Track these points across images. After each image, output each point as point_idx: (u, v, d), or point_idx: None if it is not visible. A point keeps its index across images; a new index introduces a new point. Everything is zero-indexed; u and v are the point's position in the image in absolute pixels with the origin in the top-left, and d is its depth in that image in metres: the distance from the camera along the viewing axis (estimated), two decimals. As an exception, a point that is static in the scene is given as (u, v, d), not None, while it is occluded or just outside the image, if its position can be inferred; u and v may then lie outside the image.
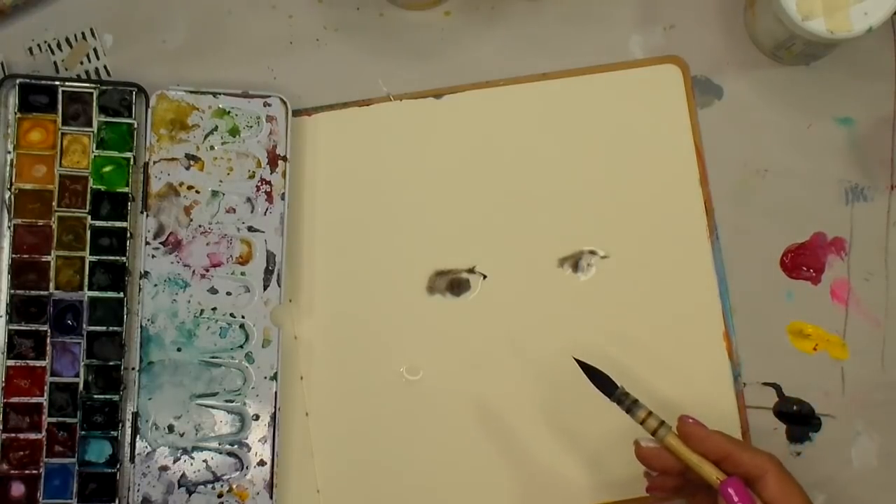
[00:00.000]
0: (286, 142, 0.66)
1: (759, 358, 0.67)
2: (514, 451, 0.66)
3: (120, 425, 0.64)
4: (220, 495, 0.64)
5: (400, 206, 0.67)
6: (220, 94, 0.66)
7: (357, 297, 0.67)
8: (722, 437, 0.57)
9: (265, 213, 0.65)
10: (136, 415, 0.64)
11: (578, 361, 0.58)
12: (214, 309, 0.65)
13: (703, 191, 0.68)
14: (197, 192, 0.65)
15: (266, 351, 0.65)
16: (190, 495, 0.64)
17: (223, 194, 0.66)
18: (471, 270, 0.67)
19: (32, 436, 0.63)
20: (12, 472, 0.63)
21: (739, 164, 0.68)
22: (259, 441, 0.64)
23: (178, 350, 0.64)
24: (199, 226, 0.65)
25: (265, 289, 0.65)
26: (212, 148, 0.66)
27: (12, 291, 0.64)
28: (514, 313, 0.67)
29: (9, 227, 0.64)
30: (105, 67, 0.67)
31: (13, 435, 0.63)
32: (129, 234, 0.65)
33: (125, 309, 0.64)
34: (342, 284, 0.67)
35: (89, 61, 0.67)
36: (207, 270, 0.65)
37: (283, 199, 0.66)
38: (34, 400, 0.63)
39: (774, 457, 0.56)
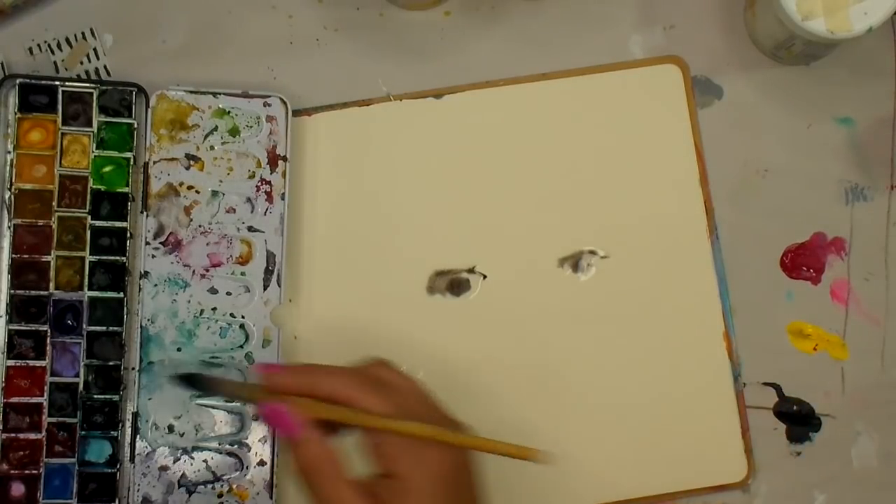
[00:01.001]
0: (286, 142, 0.66)
1: (759, 358, 0.67)
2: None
3: (120, 425, 0.64)
4: (220, 495, 0.64)
5: (400, 206, 0.67)
6: (220, 94, 0.66)
7: (357, 297, 0.67)
8: (300, 371, 0.54)
9: (265, 213, 0.65)
10: (136, 415, 0.64)
11: (177, 378, 0.55)
12: (214, 309, 0.65)
13: (703, 191, 0.68)
14: (197, 192, 0.65)
15: (266, 351, 0.65)
16: (190, 495, 0.64)
17: (223, 194, 0.66)
18: (471, 270, 0.67)
19: (32, 436, 0.63)
20: (12, 472, 0.63)
21: (739, 164, 0.68)
22: (259, 441, 0.64)
23: (178, 350, 0.64)
24: (199, 226, 0.65)
25: (265, 289, 0.65)
26: (212, 148, 0.66)
27: (12, 291, 0.64)
28: (514, 313, 0.67)
29: (9, 227, 0.64)
30: (105, 67, 0.67)
31: (13, 435, 0.63)
32: (129, 234, 0.65)
33: (125, 309, 0.64)
34: (342, 284, 0.67)
35: (89, 61, 0.67)
36: (207, 270, 0.65)
37: (283, 199, 0.66)
38: (34, 400, 0.63)
39: (359, 374, 0.54)
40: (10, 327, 0.63)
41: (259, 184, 0.66)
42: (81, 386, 0.64)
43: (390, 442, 0.52)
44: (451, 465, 0.53)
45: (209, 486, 0.64)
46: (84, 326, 0.64)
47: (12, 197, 0.64)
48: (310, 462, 0.52)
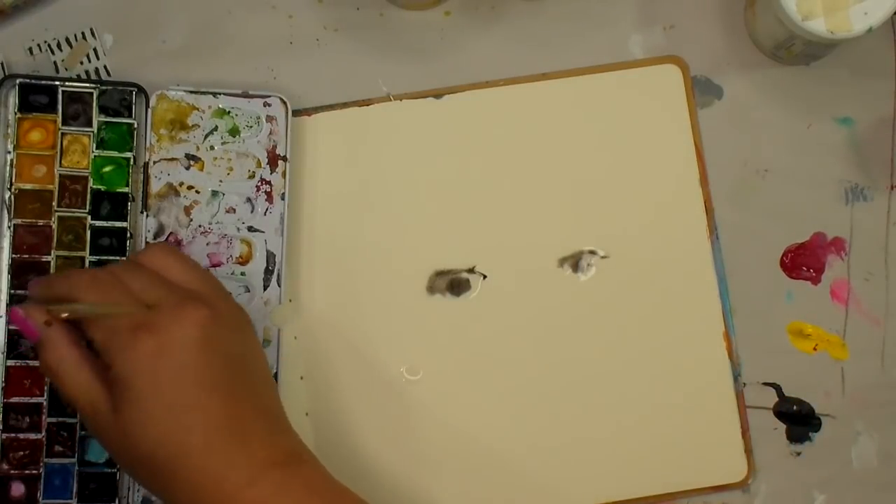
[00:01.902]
0: (286, 142, 0.66)
1: (759, 358, 0.67)
2: (513, 451, 0.66)
3: (120, 425, 0.64)
4: (220, 495, 0.64)
5: (400, 206, 0.67)
6: (220, 94, 0.66)
7: (357, 297, 0.67)
8: (52, 279, 0.57)
9: (265, 213, 0.65)
10: (136, 415, 0.64)
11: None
12: (214, 309, 0.65)
13: (703, 191, 0.68)
14: (197, 192, 0.65)
15: (266, 351, 0.64)
16: (190, 495, 0.64)
17: (223, 194, 0.66)
18: (471, 270, 0.67)
19: (32, 436, 0.63)
20: (12, 472, 0.63)
21: (739, 164, 0.68)
22: (259, 441, 0.64)
23: (178, 350, 0.64)
24: (199, 226, 0.65)
25: (265, 289, 0.65)
26: (212, 148, 0.66)
27: (12, 291, 0.64)
28: (515, 313, 0.67)
29: (9, 227, 0.64)
30: (105, 67, 0.67)
31: (13, 435, 0.63)
32: (129, 234, 0.65)
33: (125, 309, 0.64)
34: (342, 284, 0.67)
35: (89, 61, 0.67)
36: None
37: (283, 199, 0.66)
38: (34, 400, 0.63)
39: (87, 273, 0.56)
40: (11, 327, 0.63)
41: (259, 184, 0.66)
42: (81, 386, 0.64)
43: (101, 333, 0.54)
44: (165, 348, 0.53)
45: (209, 486, 0.64)
46: (84, 326, 0.64)
47: (12, 197, 0.64)
48: (48, 363, 0.55)
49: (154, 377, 0.53)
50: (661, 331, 0.67)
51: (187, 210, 0.65)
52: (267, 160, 0.66)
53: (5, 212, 0.64)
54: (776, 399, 0.67)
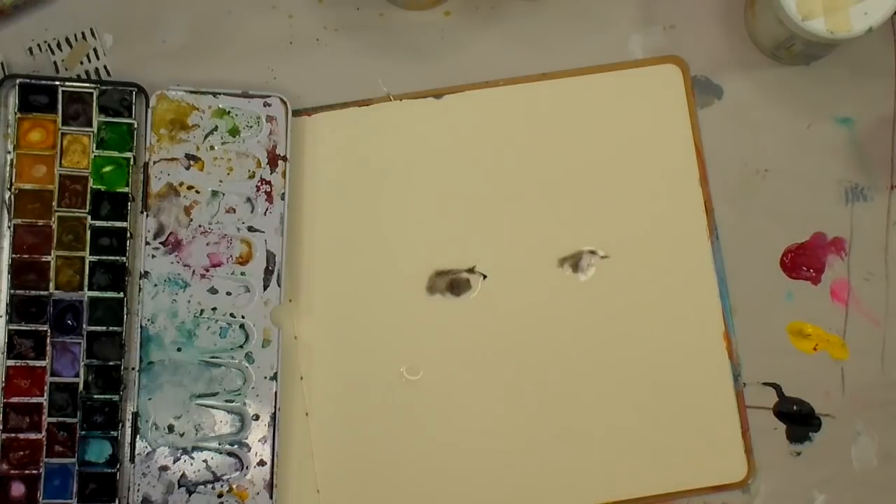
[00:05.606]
0: (286, 142, 0.66)
1: (759, 358, 0.67)
2: (514, 451, 0.66)
3: (120, 425, 0.64)
4: (220, 495, 0.64)
5: (400, 206, 0.67)
6: (220, 94, 0.66)
7: (357, 297, 0.67)
8: None
9: (265, 213, 0.65)
10: (136, 415, 0.64)
11: None
12: (214, 309, 0.65)
13: (703, 191, 0.68)
14: (197, 192, 0.65)
15: (266, 351, 0.65)
16: (190, 495, 0.64)
17: (223, 194, 0.66)
18: (471, 270, 0.67)
19: (32, 436, 0.63)
20: (12, 472, 0.63)
21: (739, 164, 0.68)
22: (259, 441, 0.64)
23: (178, 350, 0.64)
24: (199, 226, 0.65)
25: (265, 289, 0.65)
26: (212, 148, 0.66)
27: (12, 291, 0.64)
28: (514, 313, 0.67)
29: (9, 227, 0.64)
30: (105, 67, 0.67)
31: (13, 435, 0.63)
32: (129, 234, 0.65)
33: (125, 309, 0.64)
34: (342, 284, 0.67)
35: (89, 61, 0.67)
36: (207, 270, 0.65)
37: (283, 199, 0.66)
38: (34, 400, 0.63)
39: None
40: (10, 327, 0.63)
41: (259, 184, 0.66)
42: (81, 386, 0.64)
43: None
44: None
45: (209, 486, 0.64)
46: (84, 326, 0.64)
47: (12, 197, 0.64)
48: None
49: None
50: (661, 331, 0.67)
51: (187, 210, 0.65)
52: (267, 160, 0.66)
53: (5, 212, 0.64)
54: (776, 399, 0.67)
